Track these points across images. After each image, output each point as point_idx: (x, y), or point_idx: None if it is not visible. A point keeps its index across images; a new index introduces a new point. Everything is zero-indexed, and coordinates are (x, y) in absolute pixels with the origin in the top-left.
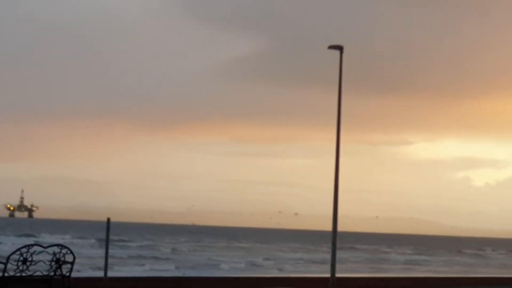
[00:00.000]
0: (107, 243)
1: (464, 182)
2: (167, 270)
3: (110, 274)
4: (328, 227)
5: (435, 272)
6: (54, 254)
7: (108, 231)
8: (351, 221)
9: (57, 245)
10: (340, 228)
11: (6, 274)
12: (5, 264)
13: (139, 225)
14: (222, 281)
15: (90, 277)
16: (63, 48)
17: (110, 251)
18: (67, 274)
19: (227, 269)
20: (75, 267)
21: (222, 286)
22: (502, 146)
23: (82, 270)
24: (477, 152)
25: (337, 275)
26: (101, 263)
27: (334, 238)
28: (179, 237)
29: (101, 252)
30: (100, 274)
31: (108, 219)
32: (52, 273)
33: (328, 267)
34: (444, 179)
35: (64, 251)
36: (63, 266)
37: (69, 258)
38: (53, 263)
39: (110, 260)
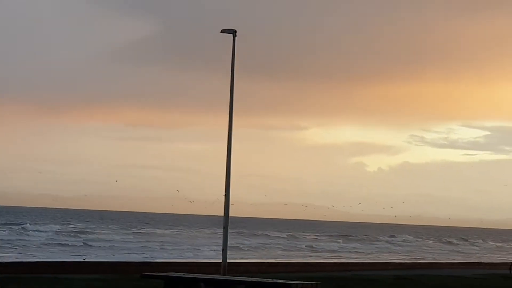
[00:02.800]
0: None
1: (358, 167)
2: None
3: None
4: (221, 212)
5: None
6: None
7: None
8: (243, 206)
9: None
10: (233, 213)
11: None
12: None
13: (35, 210)
14: (115, 265)
15: None
16: None
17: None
18: None
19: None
20: None
21: (108, 271)
22: (395, 132)
23: None
24: (370, 138)
25: (230, 260)
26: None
27: (226, 223)
28: (100, 223)
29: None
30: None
31: None
32: None
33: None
34: (337, 165)
35: None
36: None
37: None
38: None
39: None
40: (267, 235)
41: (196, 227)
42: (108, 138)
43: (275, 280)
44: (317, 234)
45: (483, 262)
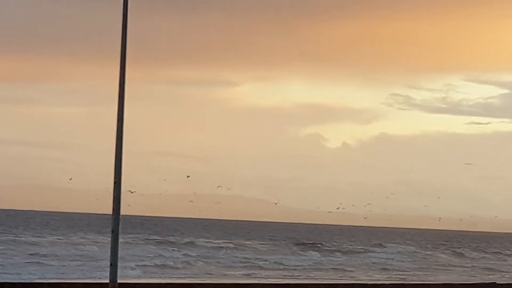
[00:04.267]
0: None
1: (312, 142)
2: None
3: None
4: (110, 208)
5: None
6: None
7: None
8: (144, 199)
9: None
10: (125, 210)
11: None
12: None
13: None
14: None
15: None
16: None
17: None
18: None
19: None
20: None
21: None
22: (367, 90)
23: None
24: (330, 98)
25: (124, 280)
26: None
27: (116, 225)
28: None
29: None
30: None
31: None
32: None
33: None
34: (283, 138)
35: None
36: None
37: None
38: None
39: None
40: (202, 245)
41: (93, 231)
42: None
43: None
44: (270, 242)
45: (498, 283)
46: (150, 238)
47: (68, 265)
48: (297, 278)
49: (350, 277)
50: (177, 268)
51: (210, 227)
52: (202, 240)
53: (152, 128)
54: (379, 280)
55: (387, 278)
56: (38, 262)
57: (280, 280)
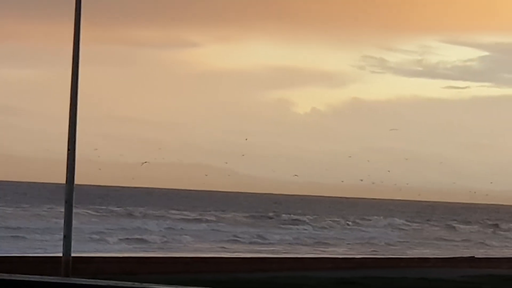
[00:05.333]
0: None
1: (279, 107)
2: None
3: None
4: (62, 178)
5: None
6: None
7: None
8: (104, 168)
9: None
10: (81, 179)
11: None
12: None
13: None
14: None
15: None
16: None
17: None
18: None
19: None
20: None
21: None
22: (338, 52)
23: None
24: (299, 60)
25: (77, 254)
26: None
27: (70, 195)
28: None
29: None
30: None
31: None
32: None
33: None
34: (247, 103)
35: None
36: None
37: None
38: None
39: None
40: (178, 217)
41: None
42: None
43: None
44: (249, 214)
45: (476, 257)
46: (122, 210)
47: (51, 239)
48: (271, 253)
49: (321, 250)
50: (157, 242)
51: (175, 198)
52: (176, 212)
53: (108, 92)
54: (354, 254)
55: (362, 252)
56: (16, 236)
57: (250, 254)
